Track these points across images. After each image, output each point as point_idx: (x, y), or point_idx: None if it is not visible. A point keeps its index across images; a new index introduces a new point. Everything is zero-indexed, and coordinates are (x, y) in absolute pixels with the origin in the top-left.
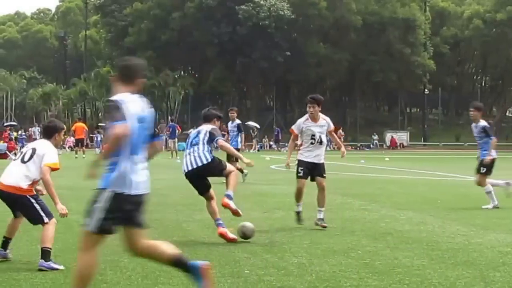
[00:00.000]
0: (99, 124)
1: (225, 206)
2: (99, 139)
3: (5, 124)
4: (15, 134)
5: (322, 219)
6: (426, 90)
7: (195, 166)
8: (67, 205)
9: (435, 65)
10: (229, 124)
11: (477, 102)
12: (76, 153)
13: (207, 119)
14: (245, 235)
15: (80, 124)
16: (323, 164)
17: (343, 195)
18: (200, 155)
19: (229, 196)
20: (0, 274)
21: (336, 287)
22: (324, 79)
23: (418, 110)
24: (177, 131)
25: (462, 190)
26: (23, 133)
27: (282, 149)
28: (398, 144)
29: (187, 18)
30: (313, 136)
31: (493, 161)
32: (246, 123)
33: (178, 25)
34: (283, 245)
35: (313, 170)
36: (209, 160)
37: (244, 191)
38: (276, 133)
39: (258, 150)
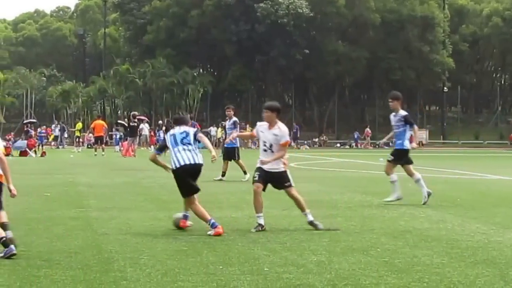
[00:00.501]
0: (118, 121)
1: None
2: (118, 136)
3: (25, 121)
4: (33, 132)
5: (312, 221)
6: (445, 88)
7: (197, 162)
8: (87, 202)
9: (454, 63)
10: (227, 122)
11: (395, 91)
12: (95, 150)
13: (185, 123)
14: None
15: (99, 122)
16: (282, 172)
17: (362, 193)
18: (198, 154)
19: (187, 217)
20: (20, 271)
21: (355, 285)
22: (343, 77)
23: (437, 108)
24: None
25: (481, 188)
26: (43, 131)
27: (301, 147)
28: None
29: (206, 16)
30: (264, 143)
31: (407, 151)
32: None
33: (196, 23)
34: (302, 243)
35: (272, 181)
36: (203, 163)
37: None
38: (294, 130)
39: None
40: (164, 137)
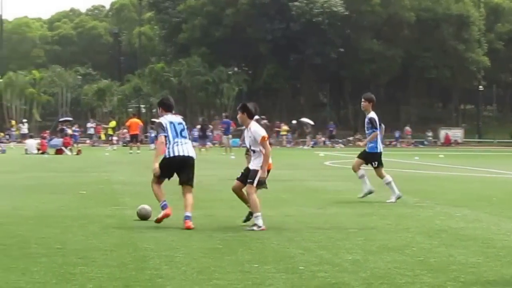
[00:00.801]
0: (152, 119)
1: (189, 228)
2: (153, 135)
3: (60, 119)
4: (69, 130)
5: (253, 223)
6: (480, 86)
7: (190, 155)
8: (122, 200)
9: (490, 61)
10: None
11: (369, 93)
12: (130, 148)
13: (172, 109)
14: (145, 217)
15: (134, 120)
16: (254, 170)
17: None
18: (192, 148)
19: (189, 218)
20: (57, 268)
21: (391, 284)
22: (378, 75)
23: (473, 106)
24: (231, 128)
25: None
26: (77, 129)
27: (336, 145)
28: (452, 141)
29: (240, 14)
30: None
31: (379, 154)
32: (300, 120)
33: (231, 21)
34: (337, 241)
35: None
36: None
37: (298, 187)
38: (331, 129)
39: (312, 147)
40: (160, 122)
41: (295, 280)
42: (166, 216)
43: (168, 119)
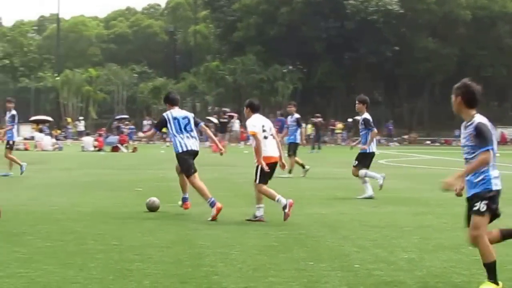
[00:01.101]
0: (207, 117)
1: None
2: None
3: (117, 117)
4: (125, 128)
5: (254, 214)
6: None
7: (197, 149)
8: (177, 197)
9: None
10: (288, 118)
11: (362, 95)
12: None
13: (178, 103)
14: (153, 208)
15: None
16: (255, 168)
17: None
18: (197, 139)
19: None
20: (113, 264)
21: (446, 282)
22: (433, 74)
23: None
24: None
25: None
26: (132, 126)
27: (391, 144)
28: (508, 139)
29: (295, 13)
30: None
31: (371, 155)
32: (355, 118)
33: (286, 20)
34: (393, 240)
35: None
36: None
37: (353, 185)
38: (390, 127)
39: None
40: (163, 115)
41: (350, 278)
42: (219, 210)
43: (173, 114)
